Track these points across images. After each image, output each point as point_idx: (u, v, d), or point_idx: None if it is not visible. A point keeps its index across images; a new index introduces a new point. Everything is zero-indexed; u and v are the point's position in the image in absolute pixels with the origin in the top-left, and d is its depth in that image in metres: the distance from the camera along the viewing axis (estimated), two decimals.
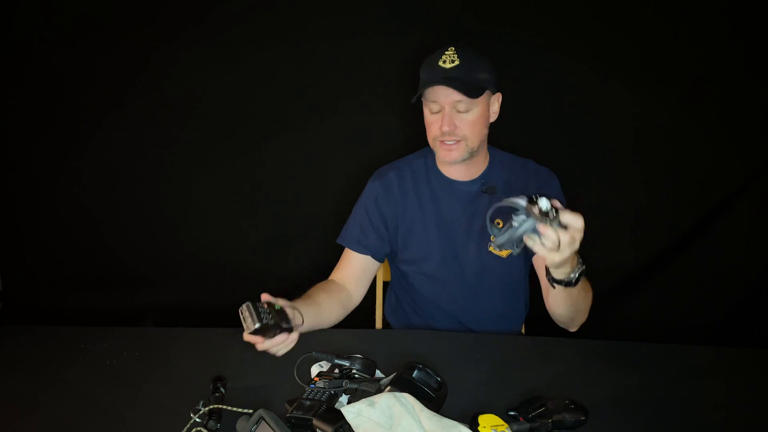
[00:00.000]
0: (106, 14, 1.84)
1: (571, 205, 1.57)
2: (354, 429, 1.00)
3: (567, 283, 1.18)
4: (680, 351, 1.42)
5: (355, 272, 1.56)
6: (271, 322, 1.13)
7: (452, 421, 1.01)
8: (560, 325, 1.44)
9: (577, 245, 1.06)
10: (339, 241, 1.60)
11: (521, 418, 1.08)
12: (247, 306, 1.14)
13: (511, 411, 1.11)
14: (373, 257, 1.56)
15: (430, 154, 1.57)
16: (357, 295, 1.55)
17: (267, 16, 1.84)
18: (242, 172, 2.00)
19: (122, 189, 2.01)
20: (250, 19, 1.84)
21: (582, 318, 1.41)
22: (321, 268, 2.07)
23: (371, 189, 1.59)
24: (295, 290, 2.09)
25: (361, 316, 1.92)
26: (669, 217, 1.94)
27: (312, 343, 1.31)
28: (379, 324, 1.81)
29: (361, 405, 1.01)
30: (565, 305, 1.32)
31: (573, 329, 1.44)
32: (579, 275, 1.17)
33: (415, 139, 1.69)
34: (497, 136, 1.67)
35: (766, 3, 1.73)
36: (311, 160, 1.98)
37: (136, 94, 1.92)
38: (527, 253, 1.53)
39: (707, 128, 1.85)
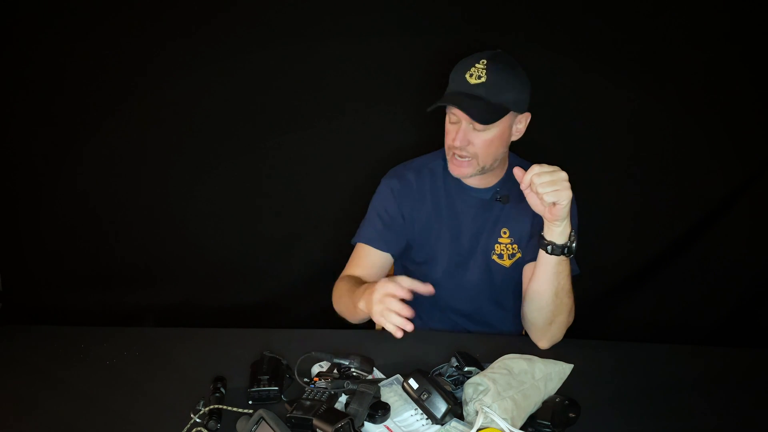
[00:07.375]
0: (110, 12, 1.83)
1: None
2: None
3: (563, 250, 1.27)
4: (680, 351, 1.42)
5: (376, 270, 1.51)
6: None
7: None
8: (535, 332, 1.41)
9: (559, 182, 1.20)
10: (356, 240, 1.54)
11: None
12: None
13: None
14: (391, 255, 1.52)
15: None
16: None
17: (272, 16, 1.82)
18: (245, 172, 1.99)
19: (123, 188, 2.00)
20: (254, 19, 1.83)
21: (559, 323, 1.37)
22: (323, 269, 2.07)
23: (389, 185, 1.55)
24: (296, 291, 2.11)
25: None
26: (669, 217, 1.93)
27: (312, 343, 1.31)
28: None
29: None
30: (550, 288, 1.32)
31: (544, 343, 1.39)
32: (573, 243, 1.27)
33: (423, 141, 1.68)
34: None
35: (767, 3, 1.73)
36: (315, 161, 1.97)
37: (139, 93, 1.91)
38: (524, 258, 1.53)
39: (707, 128, 1.85)
